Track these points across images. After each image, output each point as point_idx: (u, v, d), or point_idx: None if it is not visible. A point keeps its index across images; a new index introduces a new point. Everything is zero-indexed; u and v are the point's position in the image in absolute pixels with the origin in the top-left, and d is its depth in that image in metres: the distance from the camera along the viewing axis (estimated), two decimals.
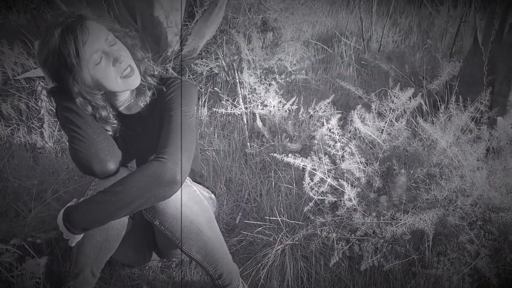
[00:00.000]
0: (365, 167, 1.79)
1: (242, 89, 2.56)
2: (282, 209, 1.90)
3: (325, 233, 1.72)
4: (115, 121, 1.42)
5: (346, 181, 1.73)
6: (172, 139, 1.31)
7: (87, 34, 1.23)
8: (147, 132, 1.46)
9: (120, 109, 1.45)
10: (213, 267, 1.47)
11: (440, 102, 2.26)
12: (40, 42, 1.26)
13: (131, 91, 1.42)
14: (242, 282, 1.59)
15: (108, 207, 1.24)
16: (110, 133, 1.41)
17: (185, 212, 1.35)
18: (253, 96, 2.48)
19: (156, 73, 1.48)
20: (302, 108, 2.33)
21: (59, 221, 1.30)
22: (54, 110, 1.45)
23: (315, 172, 1.77)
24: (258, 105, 2.43)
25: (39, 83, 2.48)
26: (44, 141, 2.36)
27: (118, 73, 1.30)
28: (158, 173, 1.24)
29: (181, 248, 1.41)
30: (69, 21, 1.23)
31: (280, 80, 2.69)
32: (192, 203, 1.37)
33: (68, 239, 1.34)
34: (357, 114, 1.89)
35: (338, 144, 1.81)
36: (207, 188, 1.70)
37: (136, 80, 1.34)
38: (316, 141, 2.02)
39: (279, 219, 1.84)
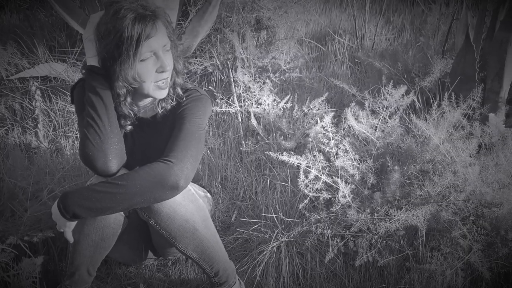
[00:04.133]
0: (359, 164, 1.81)
1: (236, 87, 2.57)
2: (277, 207, 1.91)
3: (320, 229, 1.73)
4: (135, 108, 1.41)
5: (340, 178, 1.75)
6: (182, 145, 1.32)
7: (154, 31, 1.26)
8: (157, 137, 1.47)
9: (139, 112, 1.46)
10: (209, 265, 1.48)
11: (432, 99, 2.28)
12: (107, 16, 1.25)
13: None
14: (238, 279, 1.60)
15: (106, 198, 1.24)
16: (129, 126, 1.42)
17: (180, 211, 1.36)
18: (247, 94, 2.49)
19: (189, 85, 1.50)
20: (296, 106, 2.34)
21: (53, 209, 1.30)
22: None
23: (309, 169, 1.78)
24: (252, 103, 2.44)
25: (33, 83, 2.47)
26: (39, 141, 2.35)
27: (155, 79, 1.32)
28: (163, 176, 1.25)
29: (177, 246, 1.42)
30: (145, 13, 1.25)
31: (274, 79, 2.70)
32: (187, 202, 1.38)
33: (62, 232, 1.34)
34: (351, 111, 1.91)
35: (332, 142, 1.83)
36: (203, 187, 1.71)
37: (163, 93, 1.36)
38: (310, 139, 2.03)
39: (274, 216, 1.86)
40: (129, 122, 1.42)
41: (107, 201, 1.24)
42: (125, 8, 1.23)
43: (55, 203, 1.31)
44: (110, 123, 1.32)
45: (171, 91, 1.42)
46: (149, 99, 1.43)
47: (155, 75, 1.31)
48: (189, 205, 1.38)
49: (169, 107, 1.44)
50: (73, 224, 1.33)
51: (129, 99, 1.37)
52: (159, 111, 1.43)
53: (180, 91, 1.43)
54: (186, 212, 1.37)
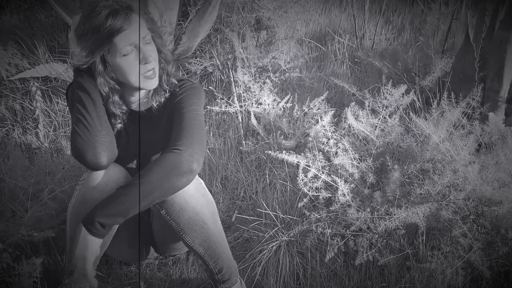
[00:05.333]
0: (358, 163, 1.81)
1: (236, 87, 2.57)
2: (277, 206, 1.91)
3: (320, 229, 1.74)
4: (124, 107, 1.44)
5: (340, 177, 1.75)
6: (186, 132, 1.33)
7: (128, 24, 1.28)
8: (151, 130, 1.49)
9: (132, 106, 1.48)
10: (214, 261, 1.48)
11: (432, 98, 2.29)
12: (84, 16, 1.29)
13: (148, 90, 1.44)
14: (239, 279, 1.60)
15: (127, 199, 1.25)
16: (119, 124, 1.44)
17: (192, 202, 1.38)
18: (247, 94, 2.49)
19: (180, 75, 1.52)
20: (296, 105, 2.34)
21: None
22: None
23: (309, 168, 1.78)
24: (252, 103, 2.44)
25: (34, 83, 2.48)
26: (39, 142, 2.36)
27: (141, 71, 1.34)
28: (176, 164, 1.26)
29: (184, 239, 1.43)
30: (117, 7, 1.28)
31: (274, 78, 2.70)
32: (199, 195, 1.40)
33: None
34: (350, 111, 1.91)
35: (332, 141, 1.83)
36: None
37: (154, 83, 1.38)
38: (310, 138, 2.04)
39: (273, 214, 1.86)
40: (118, 121, 1.44)
41: (128, 202, 1.26)
42: (100, 6, 1.27)
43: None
44: (99, 117, 1.34)
45: (165, 80, 1.44)
46: (141, 93, 1.45)
47: (139, 66, 1.33)
48: (201, 198, 1.40)
49: (163, 99, 1.46)
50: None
51: (115, 98, 1.39)
52: (154, 105, 1.45)
53: (174, 80, 1.46)
54: (197, 205, 1.39)
